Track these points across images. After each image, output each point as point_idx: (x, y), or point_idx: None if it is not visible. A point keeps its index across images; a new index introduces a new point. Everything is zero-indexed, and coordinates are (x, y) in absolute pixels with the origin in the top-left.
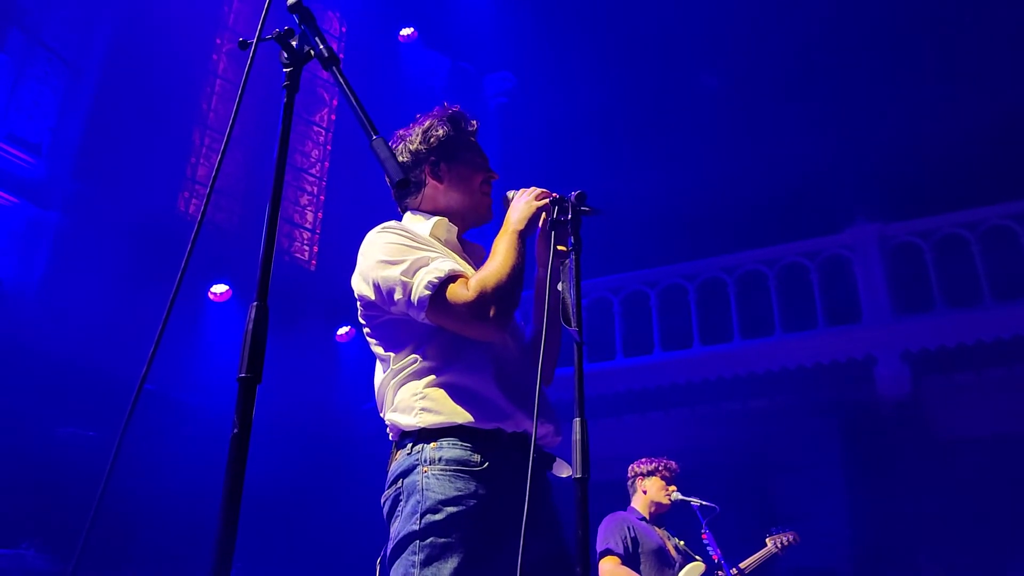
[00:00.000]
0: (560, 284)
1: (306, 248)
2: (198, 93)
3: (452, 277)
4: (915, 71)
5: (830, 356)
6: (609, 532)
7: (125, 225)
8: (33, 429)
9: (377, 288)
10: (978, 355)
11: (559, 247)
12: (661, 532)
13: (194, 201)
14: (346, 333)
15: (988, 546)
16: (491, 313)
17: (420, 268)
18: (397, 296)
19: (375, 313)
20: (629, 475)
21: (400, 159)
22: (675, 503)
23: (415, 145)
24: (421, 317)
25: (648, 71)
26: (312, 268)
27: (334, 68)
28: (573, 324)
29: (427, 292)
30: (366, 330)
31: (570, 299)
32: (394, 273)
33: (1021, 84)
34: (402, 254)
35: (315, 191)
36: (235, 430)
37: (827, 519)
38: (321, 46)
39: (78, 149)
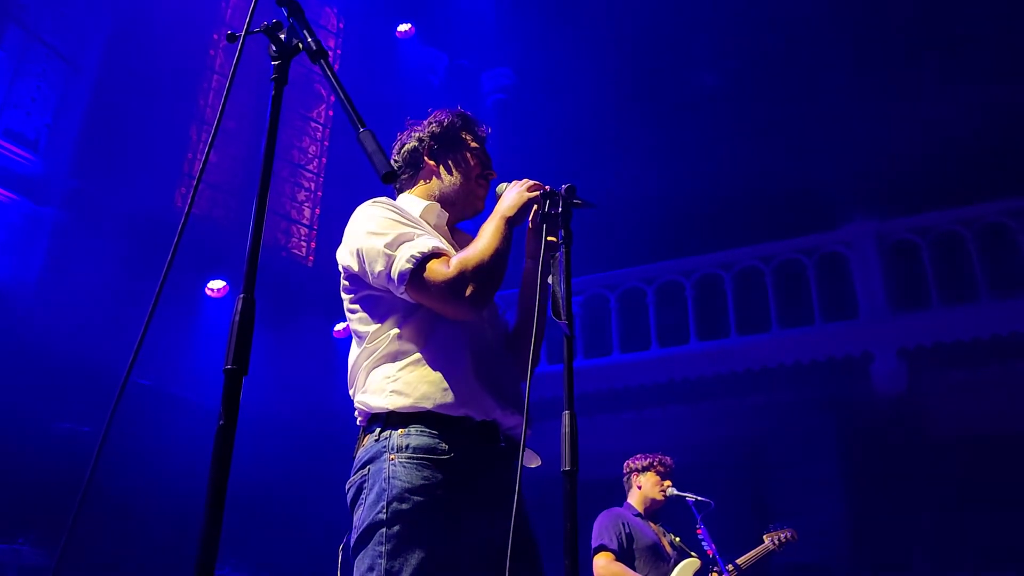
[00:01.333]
0: (550, 277)
1: (303, 244)
2: (195, 89)
3: (435, 254)
4: (913, 69)
5: (826, 353)
6: (604, 528)
7: (122, 221)
8: (30, 425)
9: (360, 258)
10: (974, 352)
11: (549, 238)
12: (656, 528)
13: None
14: (343, 329)
15: (983, 543)
16: (468, 292)
17: (404, 243)
18: (379, 268)
19: (357, 287)
20: (624, 471)
21: (403, 144)
22: (670, 498)
23: (421, 131)
24: (400, 291)
25: (646, 68)
26: (309, 264)
27: (322, 61)
28: (563, 317)
29: (408, 266)
30: (347, 303)
31: (560, 292)
32: (378, 244)
33: (1018, 82)
34: (388, 227)
35: (312, 187)
36: (221, 421)
37: (823, 515)
38: (309, 39)
39: (75, 145)
